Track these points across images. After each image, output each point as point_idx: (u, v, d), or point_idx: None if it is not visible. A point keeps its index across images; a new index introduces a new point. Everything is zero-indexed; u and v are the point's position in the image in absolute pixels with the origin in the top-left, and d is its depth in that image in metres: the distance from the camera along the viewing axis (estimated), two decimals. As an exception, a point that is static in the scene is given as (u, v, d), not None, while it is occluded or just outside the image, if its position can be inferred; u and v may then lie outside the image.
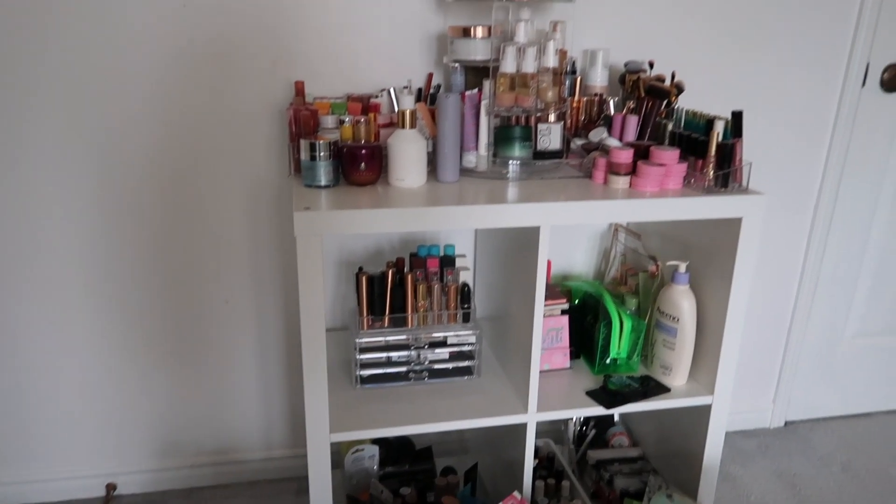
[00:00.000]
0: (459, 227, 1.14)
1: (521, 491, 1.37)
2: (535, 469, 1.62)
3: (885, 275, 1.90)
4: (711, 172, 1.24)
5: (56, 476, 1.63)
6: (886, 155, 1.76)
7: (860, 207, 1.80)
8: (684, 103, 1.40)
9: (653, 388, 1.39)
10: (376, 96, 1.40)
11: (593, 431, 1.73)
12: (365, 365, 1.37)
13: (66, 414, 1.59)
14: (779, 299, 1.87)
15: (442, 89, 1.45)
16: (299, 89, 1.37)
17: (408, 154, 1.22)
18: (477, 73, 1.35)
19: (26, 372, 1.53)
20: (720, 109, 1.39)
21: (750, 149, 1.65)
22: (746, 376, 1.94)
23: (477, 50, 1.30)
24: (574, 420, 1.74)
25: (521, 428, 1.35)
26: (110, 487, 1.67)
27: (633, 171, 1.26)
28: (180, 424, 1.66)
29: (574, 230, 1.67)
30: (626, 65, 1.45)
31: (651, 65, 1.46)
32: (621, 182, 1.26)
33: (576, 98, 1.43)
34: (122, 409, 1.62)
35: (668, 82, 1.39)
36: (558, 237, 1.67)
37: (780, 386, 1.96)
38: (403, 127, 1.22)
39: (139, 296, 1.53)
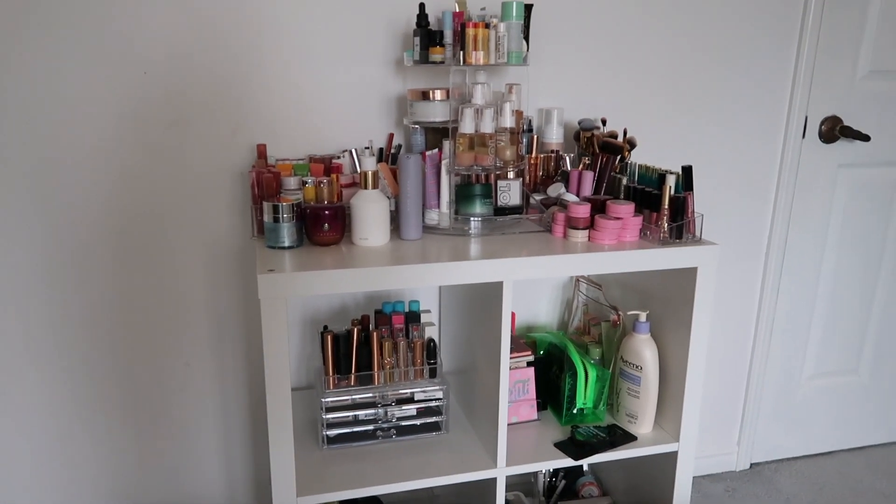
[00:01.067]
0: (423, 284, 1.16)
1: (492, 548, 1.36)
2: (506, 524, 1.60)
3: (836, 316, 1.97)
4: (666, 225, 1.29)
5: (6, 555, 1.56)
6: (829, 201, 1.85)
7: (808, 251, 1.88)
8: (637, 158, 1.46)
9: (620, 437, 1.40)
10: (338, 157, 1.42)
11: (563, 482, 1.72)
12: (331, 425, 1.35)
13: (29, 476, 1.52)
14: (737, 344, 1.91)
15: (403, 149, 1.48)
16: (261, 152, 1.39)
17: (370, 214, 1.24)
18: (436, 133, 1.39)
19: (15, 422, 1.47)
20: (671, 163, 1.45)
21: (701, 200, 1.72)
22: (711, 420, 1.96)
23: (436, 112, 1.34)
24: (543, 472, 1.74)
25: (491, 482, 1.34)
26: (64, 564, 1.60)
27: (591, 224, 1.30)
28: (142, 489, 1.60)
29: (537, 282, 1.70)
30: (579, 122, 1.51)
31: (604, 122, 1.52)
32: (580, 236, 1.30)
33: (533, 155, 1.48)
34: (78, 477, 1.55)
35: (620, 138, 1.45)
36: (521, 288, 1.70)
37: (743, 428, 1.99)
38: (366, 187, 1.24)
39: (96, 360, 1.49)
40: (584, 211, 1.29)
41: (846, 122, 1.76)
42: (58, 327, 1.45)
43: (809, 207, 1.83)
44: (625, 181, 1.39)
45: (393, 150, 1.45)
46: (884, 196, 1.89)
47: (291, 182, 1.32)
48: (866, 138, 1.74)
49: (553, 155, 1.49)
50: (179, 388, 1.56)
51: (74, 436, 1.52)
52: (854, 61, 1.73)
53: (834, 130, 1.76)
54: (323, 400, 1.33)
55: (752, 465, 2.05)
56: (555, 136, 1.51)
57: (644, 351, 1.39)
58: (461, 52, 1.26)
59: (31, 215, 1.38)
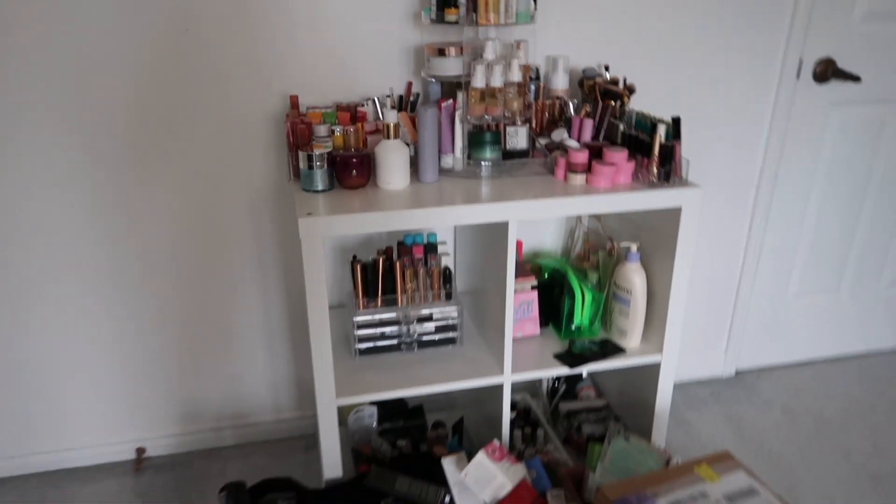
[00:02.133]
0: (440, 225, 1.35)
1: (500, 439, 1.62)
2: (513, 420, 1.87)
3: (821, 241, 2.14)
4: (655, 169, 1.45)
5: (92, 444, 1.86)
6: (820, 137, 1.97)
7: (798, 183, 2.02)
8: (636, 103, 1.59)
9: (610, 349, 1.62)
10: (362, 105, 1.58)
11: (564, 386, 1.97)
12: (362, 339, 1.59)
13: (99, 388, 1.80)
14: (728, 265, 2.10)
15: (420, 98, 1.63)
16: (294, 102, 1.55)
17: (393, 162, 1.42)
18: (451, 85, 1.54)
19: (65, 351, 1.74)
20: (670, 105, 1.59)
21: (698, 136, 1.86)
22: (700, 332, 2.18)
23: (451, 67, 1.48)
24: (547, 377, 1.98)
25: (499, 387, 1.58)
26: (140, 451, 1.90)
27: (588, 169, 1.47)
28: (200, 394, 1.88)
29: (543, 212, 1.88)
30: (583, 71, 1.64)
31: (607, 68, 1.65)
32: (579, 179, 1.47)
33: (540, 101, 1.62)
34: (149, 383, 1.83)
35: (621, 85, 1.58)
36: (534, 220, 1.88)
37: (730, 340, 2.21)
38: (388, 137, 1.41)
39: (162, 285, 1.72)
40: (582, 157, 1.45)
41: (840, 65, 1.85)
42: (133, 259, 1.67)
43: (800, 143, 1.96)
44: (622, 127, 1.54)
45: (412, 98, 1.61)
46: (872, 132, 2.00)
47: (322, 130, 1.49)
48: (857, 79, 1.84)
49: (558, 101, 1.63)
50: (229, 308, 1.80)
51: (139, 350, 1.78)
52: (852, 4, 1.81)
53: (827, 72, 1.86)
54: (354, 319, 1.56)
55: (737, 372, 2.28)
56: (560, 84, 1.65)
57: (634, 277, 1.58)
58: (474, 14, 1.39)
59: (87, 163, 1.57)
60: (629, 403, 1.82)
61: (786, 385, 2.21)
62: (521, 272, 1.68)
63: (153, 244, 1.68)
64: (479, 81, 1.42)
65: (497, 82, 1.43)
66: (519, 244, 1.83)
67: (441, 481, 1.48)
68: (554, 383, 2.00)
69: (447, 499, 1.44)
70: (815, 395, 2.16)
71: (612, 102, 1.58)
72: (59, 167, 1.56)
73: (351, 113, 1.55)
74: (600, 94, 1.60)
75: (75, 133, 1.54)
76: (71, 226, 1.62)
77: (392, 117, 1.42)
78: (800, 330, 2.27)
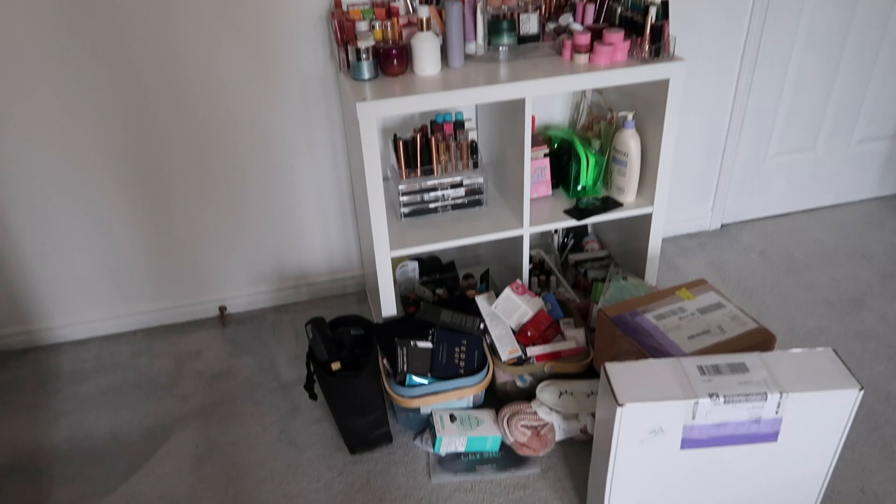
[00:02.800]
0: (469, 104, 1.63)
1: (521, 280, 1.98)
2: (530, 270, 2.23)
3: (799, 105, 2.40)
4: (647, 47, 1.71)
5: (181, 304, 2.25)
6: (800, 6, 2.19)
7: (778, 52, 2.26)
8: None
9: (611, 204, 1.95)
10: (394, 0, 1.82)
11: (572, 241, 2.32)
12: (406, 204, 1.92)
13: (182, 255, 2.16)
14: (714, 129, 2.38)
15: (445, -8, 1.86)
16: (338, 3, 1.79)
17: (426, 51, 1.68)
18: (472, -21, 1.76)
19: (160, 228, 2.08)
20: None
21: (688, 11, 2.08)
22: (689, 191, 2.50)
23: (471, -36, 1.71)
24: (557, 233, 2.33)
25: (519, 239, 1.93)
26: (222, 309, 2.29)
27: (591, 49, 1.73)
28: (268, 259, 2.24)
29: (552, 90, 2.15)
30: (586, -41, 1.86)
31: (606, -46, 1.86)
32: (583, 59, 1.73)
33: (548, -11, 1.85)
34: (225, 250, 2.19)
35: (618, -28, 1.81)
36: (543, 95, 2.15)
37: (716, 197, 2.53)
38: (422, 30, 1.67)
39: (228, 166, 2.03)
40: (585, 39, 1.71)
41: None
42: (210, 138, 1.98)
43: (782, 13, 2.18)
44: (619, 10, 1.78)
45: (437, -8, 1.84)
46: (847, 1, 2.21)
47: (363, 26, 1.74)
48: (834, -49, 2.03)
49: (564, -12, 1.86)
50: (287, 185, 2.12)
51: (225, 220, 2.12)
52: None
53: (807, -55, 2.05)
54: (399, 187, 1.89)
55: (722, 225, 2.62)
56: (566, -29, 1.87)
57: (630, 141, 1.88)
58: (490, -84, 1.60)
59: (152, 62, 1.84)
60: (627, 252, 2.17)
61: (764, 234, 2.56)
62: (534, 142, 1.97)
63: (225, 125, 1.98)
64: (496, -23, 1.66)
65: (512, -23, 1.66)
66: (532, 118, 2.11)
67: (476, 314, 1.86)
68: (563, 239, 2.34)
69: (481, 325, 1.82)
70: (789, 241, 2.51)
71: (612, -12, 1.81)
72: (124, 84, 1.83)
73: (386, 8, 1.79)
74: (601, -20, 1.83)
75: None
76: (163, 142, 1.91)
77: (424, 12, 1.67)
78: (779, 186, 2.58)
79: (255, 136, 2.01)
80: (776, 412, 1.29)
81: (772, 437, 1.33)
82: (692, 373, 1.32)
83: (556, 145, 2.04)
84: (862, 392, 1.28)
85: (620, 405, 1.27)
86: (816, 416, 1.31)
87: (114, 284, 2.15)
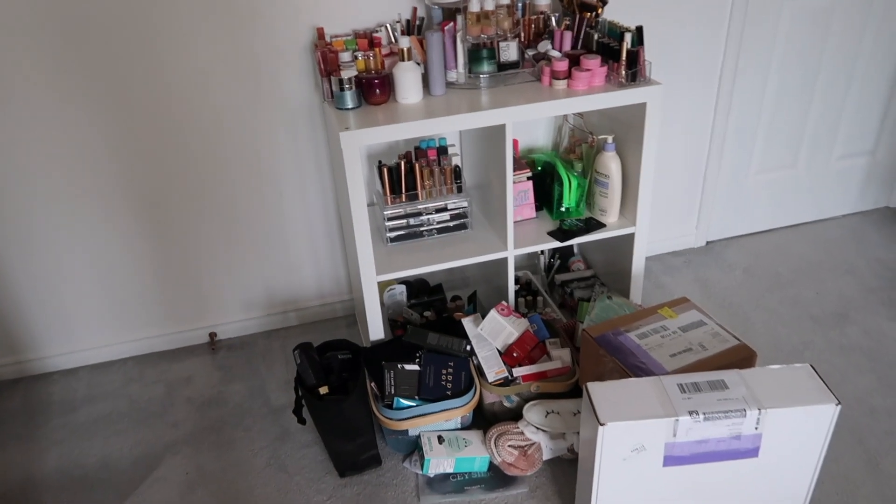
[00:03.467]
0: (451, 130, 1.67)
1: (507, 302, 2.01)
2: (517, 291, 2.26)
3: (778, 124, 2.45)
4: (623, 72, 1.75)
5: (172, 331, 2.26)
6: (775, 28, 2.24)
7: (756, 73, 2.31)
8: (610, 13, 1.87)
9: (594, 225, 1.98)
10: (376, 31, 1.86)
11: (558, 261, 2.35)
12: (391, 229, 1.95)
13: (174, 282, 2.18)
14: (696, 150, 2.42)
15: (425, 22, 1.90)
16: (321, 34, 1.84)
17: (408, 80, 1.72)
18: (450, 10, 1.81)
19: (152, 256, 2.11)
20: (641, 12, 1.87)
21: (667, 35, 2.14)
22: (674, 210, 2.54)
23: (450, -5, 1.76)
24: (544, 253, 2.36)
25: (504, 261, 1.95)
26: (212, 335, 2.31)
27: (569, 75, 1.77)
28: (258, 285, 2.26)
29: (534, 114, 2.19)
30: (562, -13, 1.91)
31: (583, -18, 1.91)
32: (561, 84, 1.78)
33: (526, 17, 1.89)
34: (216, 277, 2.21)
35: (594, -1, 1.86)
36: (527, 121, 2.18)
37: (700, 215, 2.57)
38: (403, 60, 1.71)
39: (218, 195, 2.07)
40: (563, 65, 1.75)
41: (789, -38, 2.11)
42: (198, 177, 2.01)
43: (757, 35, 2.24)
44: (596, 36, 1.83)
45: (417, 22, 1.88)
46: (822, 20, 2.27)
47: (346, 56, 1.78)
48: (804, -25, 2.10)
49: (542, 16, 1.90)
50: (276, 213, 2.14)
51: (216, 249, 2.15)
52: None
53: (778, -31, 2.11)
54: (384, 213, 1.92)
55: (707, 242, 2.66)
56: (543, 0, 1.92)
57: (611, 164, 1.92)
58: (467, -51, 1.65)
59: (142, 101, 1.88)
60: (612, 272, 2.20)
61: (748, 251, 2.59)
62: (517, 166, 2.01)
63: (216, 155, 2.01)
64: (474, 6, 1.71)
65: (489, 5, 1.71)
66: (515, 142, 2.16)
67: (463, 336, 1.88)
68: (550, 259, 2.37)
69: (468, 347, 1.84)
70: (773, 257, 2.54)
71: (588, 14, 1.86)
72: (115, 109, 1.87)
73: (368, 39, 1.84)
74: (577, 6, 1.88)
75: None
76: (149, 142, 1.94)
77: (405, 42, 1.71)
78: (761, 203, 2.62)
79: (245, 164, 2.04)
80: (756, 428, 1.31)
81: (753, 452, 1.35)
82: (673, 391, 1.34)
83: (539, 168, 2.08)
84: (839, 407, 1.30)
85: (602, 424, 1.29)
86: (795, 432, 1.33)
87: (104, 313, 2.17)
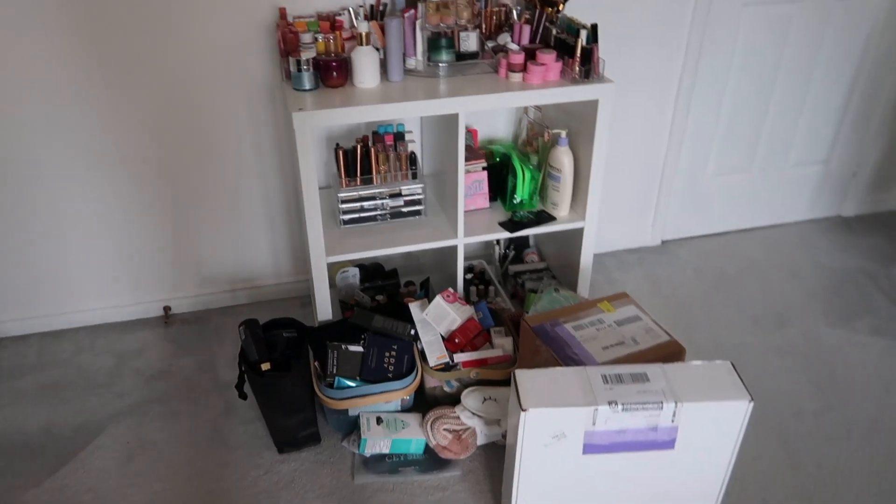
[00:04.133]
0: (403, 116, 1.70)
1: (455, 289, 2.04)
2: (470, 280, 2.30)
3: (735, 128, 2.50)
4: (577, 68, 1.78)
5: (128, 303, 2.27)
6: (735, 34, 2.28)
7: (715, 77, 2.35)
8: (574, 10, 1.90)
9: (544, 217, 2.02)
10: (340, 14, 1.88)
11: (513, 252, 2.39)
12: (345, 212, 1.97)
13: (132, 255, 2.19)
14: (654, 149, 2.47)
15: (388, 8, 1.92)
16: (283, 14, 1.84)
17: (365, 65, 1.74)
18: (413, -3, 1.83)
19: (105, 226, 2.11)
20: (603, 11, 1.90)
21: (627, 34, 2.17)
22: (630, 208, 2.58)
23: (410, -17, 1.77)
24: (499, 244, 2.40)
25: (454, 248, 1.99)
26: (167, 309, 2.32)
27: (524, 68, 1.80)
28: (215, 261, 2.27)
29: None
30: (524, -18, 1.93)
31: (546, -22, 1.94)
32: (516, 77, 1.80)
33: (488, 8, 1.92)
34: (172, 252, 2.22)
35: (556, -5, 1.88)
36: (486, 111, 2.21)
37: (656, 214, 2.62)
38: (361, 44, 1.73)
39: (181, 168, 2.07)
40: (519, 58, 1.78)
41: (751, -31, 2.15)
42: (153, 143, 2.01)
43: (717, 39, 2.28)
44: (554, 31, 1.86)
45: (381, 8, 1.90)
46: (781, 28, 2.32)
47: (307, 38, 1.79)
48: (765, -17, 2.14)
49: (504, 8, 1.93)
50: (235, 188, 2.16)
51: (163, 224, 2.15)
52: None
53: (740, -24, 2.15)
54: (339, 195, 1.94)
55: (662, 241, 2.71)
56: (506, -7, 1.94)
57: (563, 158, 1.96)
58: (427, -62, 1.67)
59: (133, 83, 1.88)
60: (563, 265, 2.25)
61: (701, 251, 2.65)
62: (474, 156, 2.04)
63: (173, 130, 2.01)
64: (433, -4, 1.73)
65: (449, -3, 1.73)
66: (474, 132, 2.19)
67: (409, 320, 1.91)
68: (505, 250, 2.41)
69: (412, 332, 1.87)
70: (723, 258, 2.60)
71: (549, 9, 1.88)
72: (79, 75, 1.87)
73: (330, 22, 1.85)
74: (538, 1, 1.90)
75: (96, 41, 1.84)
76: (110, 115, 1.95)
77: (364, 27, 1.73)
78: (717, 205, 2.68)
79: (204, 140, 2.05)
80: (672, 420, 1.36)
81: (669, 444, 1.40)
82: (596, 381, 1.39)
83: (497, 159, 2.11)
84: (752, 404, 1.36)
85: (524, 410, 1.33)
86: (710, 426, 1.38)
87: (59, 281, 2.17)
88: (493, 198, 2.11)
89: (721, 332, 2.23)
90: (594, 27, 1.76)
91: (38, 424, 1.88)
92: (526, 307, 2.09)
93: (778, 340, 2.19)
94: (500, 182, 2.10)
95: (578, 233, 2.07)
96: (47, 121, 1.91)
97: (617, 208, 2.57)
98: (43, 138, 1.93)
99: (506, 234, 1.97)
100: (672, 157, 2.48)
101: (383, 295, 2.20)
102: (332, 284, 2.19)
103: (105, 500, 1.67)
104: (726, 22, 2.25)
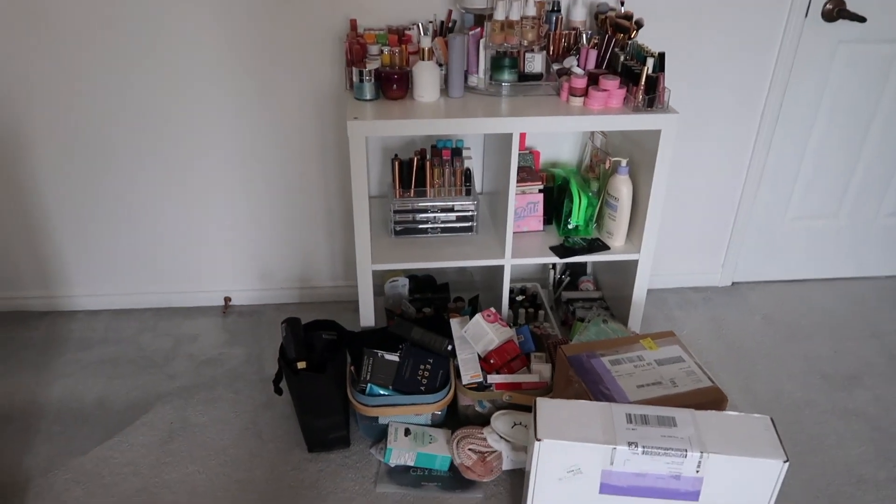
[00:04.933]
0: (454, 132, 1.71)
1: (500, 311, 2.02)
2: (521, 302, 2.26)
3: (822, 171, 2.34)
4: (641, 96, 1.73)
5: (191, 289, 2.39)
6: (826, 72, 2.15)
7: (802, 115, 2.22)
8: (648, 37, 1.85)
9: (597, 246, 1.97)
10: (409, 28, 1.91)
11: (568, 279, 2.34)
12: (398, 222, 1.99)
13: (199, 244, 2.30)
14: (729, 185, 2.35)
15: (456, 26, 1.94)
16: (353, 25, 1.90)
17: (425, 79, 1.76)
18: (481, 16, 1.84)
19: (183, 218, 2.24)
20: (676, 39, 1.85)
21: (707, 65, 2.09)
22: (699, 244, 2.47)
23: (478, 0, 1.78)
24: (555, 268, 2.35)
25: (501, 268, 1.97)
26: (227, 299, 2.42)
27: (586, 93, 1.77)
28: (275, 259, 2.36)
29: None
30: (598, 5, 1.90)
31: (622, 2, 1.90)
32: (577, 101, 1.77)
33: (558, 31, 1.90)
34: (239, 244, 2.32)
35: (633, 19, 1.84)
36: (550, 133, 2.19)
37: (728, 254, 2.49)
38: (423, 59, 1.75)
39: (248, 168, 2.17)
40: (581, 83, 1.75)
41: (848, 6, 2.02)
42: (236, 153, 2.12)
43: (806, 77, 2.15)
44: (623, 58, 1.82)
45: (450, 25, 1.92)
46: (878, 69, 2.16)
47: (374, 49, 1.84)
48: (862, 20, 2.00)
49: (574, 31, 1.90)
50: (298, 192, 2.23)
51: (241, 219, 2.26)
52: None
53: (834, 11, 2.03)
54: (392, 205, 1.97)
55: (733, 283, 2.57)
56: (578, 15, 1.91)
57: (622, 187, 1.90)
58: (496, -42, 1.67)
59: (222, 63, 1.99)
60: (617, 296, 2.18)
61: (773, 298, 2.49)
62: (532, 177, 2.02)
63: (244, 129, 2.11)
64: (499, 14, 1.73)
65: (515, 16, 1.73)
66: (536, 154, 2.16)
67: (448, 335, 1.90)
68: (560, 276, 2.36)
69: (450, 347, 1.86)
70: (798, 308, 2.44)
71: (621, 35, 1.85)
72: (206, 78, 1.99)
73: (399, 35, 1.89)
74: (611, 26, 1.87)
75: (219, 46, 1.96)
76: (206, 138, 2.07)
77: (427, 42, 1.75)
78: (796, 250, 2.51)
79: (273, 141, 2.13)
80: (696, 471, 1.28)
81: (693, 496, 1.32)
82: (619, 419, 1.33)
83: (557, 183, 2.08)
84: (787, 464, 1.26)
85: (538, 440, 1.29)
86: (739, 483, 1.29)
87: (134, 263, 2.31)
88: (549, 221, 2.08)
89: (784, 386, 2.08)
90: (661, 55, 1.70)
91: (94, 396, 2.00)
92: (571, 335, 2.03)
93: (846, 402, 2.03)
94: (557, 206, 2.06)
95: (634, 265, 2.00)
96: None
97: (685, 243, 2.46)
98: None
99: (555, 259, 1.94)
100: (749, 195, 2.35)
101: (430, 308, 2.21)
102: (381, 293, 2.22)
103: (142, 475, 1.75)
104: (819, 53, 2.12)
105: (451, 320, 1.93)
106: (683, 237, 2.44)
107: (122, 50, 1.94)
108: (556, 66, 1.89)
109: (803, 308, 2.44)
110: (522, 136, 2.13)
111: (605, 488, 1.33)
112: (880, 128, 2.28)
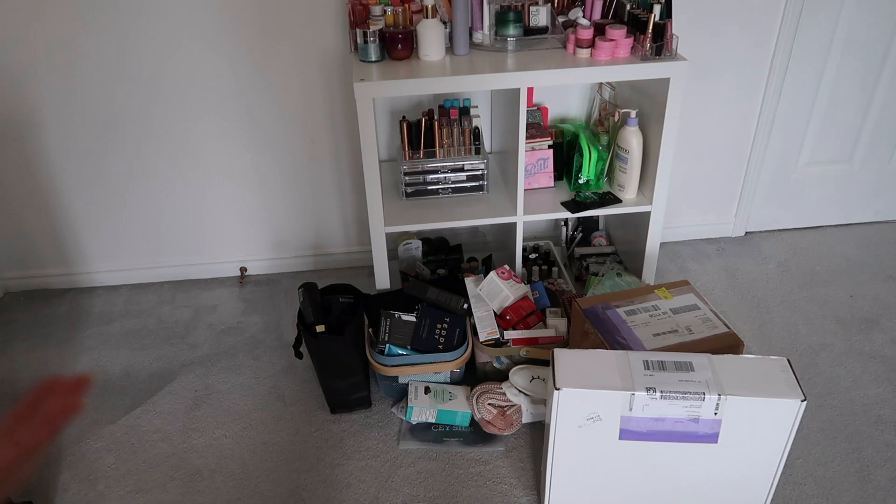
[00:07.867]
0: (462, 90, 1.69)
1: (514, 268, 2.03)
2: (535, 259, 2.27)
3: (834, 115, 2.31)
4: (648, 45, 1.71)
5: (208, 261, 2.41)
6: (837, 9, 2.11)
7: (813, 57, 2.18)
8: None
9: (608, 199, 1.96)
10: (411, -13, 1.89)
11: (581, 235, 2.34)
12: (408, 184, 2.00)
13: (214, 217, 2.32)
14: (740, 133, 2.32)
15: (459, -20, 1.91)
16: (355, -14, 1.88)
17: (430, 37, 1.75)
18: (483, -30, 1.81)
19: (194, 191, 2.26)
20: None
21: (717, 10, 2.05)
22: (712, 195, 2.46)
23: (479, -45, 1.76)
24: (567, 225, 2.35)
25: (513, 225, 1.97)
26: (243, 269, 2.45)
27: (593, 44, 1.75)
28: (288, 227, 2.37)
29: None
30: (601, -46, 1.87)
31: (625, -50, 1.86)
32: (584, 53, 1.75)
33: (562, -18, 1.87)
34: (252, 214, 2.33)
35: (632, -32, 1.81)
36: (558, 88, 2.17)
37: (740, 204, 2.48)
38: (427, 17, 1.74)
39: (257, 137, 2.17)
40: (587, 34, 1.73)
41: (858, -60, 1.97)
42: (242, 120, 2.12)
43: (818, 14, 2.10)
44: (628, 6, 1.79)
45: (452, -19, 1.89)
46: (891, 5, 2.11)
47: (376, 10, 1.82)
48: (874, -45, 1.95)
49: (578, -18, 1.87)
50: (308, 159, 2.23)
51: (252, 190, 2.27)
52: None
53: (845, -52, 1.98)
54: (402, 167, 1.97)
55: (746, 233, 2.56)
56: (582, -34, 1.88)
57: (631, 139, 1.89)
58: None
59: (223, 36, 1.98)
60: (631, 250, 2.18)
61: (788, 246, 2.48)
62: (541, 133, 2.01)
63: (252, 97, 2.11)
64: (502, -32, 1.70)
65: (517, -31, 1.70)
66: (544, 110, 2.15)
67: (463, 295, 1.92)
68: (573, 232, 2.36)
69: (466, 306, 1.88)
70: (813, 255, 2.43)
71: (626, -16, 1.81)
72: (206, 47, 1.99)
73: (400, -5, 1.86)
74: (616, -24, 1.83)
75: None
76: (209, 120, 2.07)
77: (431, 0, 1.73)
78: (809, 197, 2.49)
79: (282, 108, 2.13)
80: (714, 413, 1.30)
81: (712, 437, 1.34)
82: (636, 366, 1.35)
83: (566, 138, 2.07)
84: (804, 403, 1.27)
85: (557, 389, 1.31)
86: (757, 423, 1.31)
87: (149, 238, 2.34)
88: (559, 177, 2.07)
89: (800, 332, 2.09)
90: (668, 1, 1.68)
91: (119, 367, 2.05)
92: (585, 290, 2.04)
93: (863, 344, 2.03)
94: (567, 161, 2.06)
95: (646, 217, 1.99)
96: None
97: (697, 195, 2.45)
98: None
99: (567, 214, 1.94)
100: (760, 143, 2.33)
101: (444, 269, 2.22)
102: (395, 256, 2.24)
103: (171, 441, 1.80)
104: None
105: (465, 279, 1.94)
106: (695, 188, 2.43)
107: (126, 23, 1.94)
108: (561, 19, 1.86)
109: (818, 255, 2.43)
110: (530, 92, 2.10)
111: (625, 434, 1.35)
112: (892, 69, 2.24)
